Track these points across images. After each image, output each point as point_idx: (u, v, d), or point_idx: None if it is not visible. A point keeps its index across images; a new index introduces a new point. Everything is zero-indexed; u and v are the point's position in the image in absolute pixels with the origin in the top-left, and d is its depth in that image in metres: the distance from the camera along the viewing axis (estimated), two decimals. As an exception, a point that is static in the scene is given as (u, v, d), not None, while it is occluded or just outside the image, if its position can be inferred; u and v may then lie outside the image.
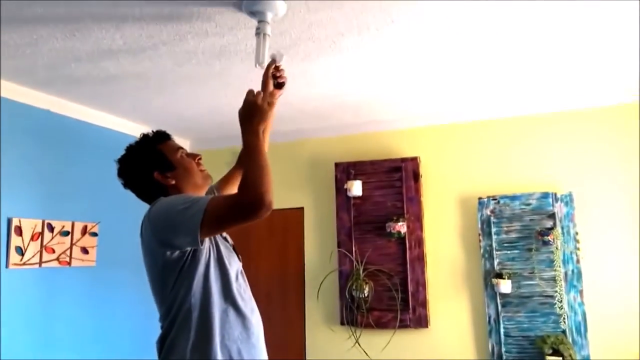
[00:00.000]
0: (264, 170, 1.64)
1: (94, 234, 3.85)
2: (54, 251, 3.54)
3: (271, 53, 2.12)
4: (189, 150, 2.08)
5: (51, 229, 3.54)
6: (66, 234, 3.64)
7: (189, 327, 1.72)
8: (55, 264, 3.55)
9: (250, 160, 1.69)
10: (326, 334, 4.37)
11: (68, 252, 3.64)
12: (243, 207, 1.60)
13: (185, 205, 1.67)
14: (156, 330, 1.83)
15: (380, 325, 4.13)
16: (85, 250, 3.77)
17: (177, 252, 1.71)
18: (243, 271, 1.93)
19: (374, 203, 4.32)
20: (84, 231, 3.78)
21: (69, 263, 3.65)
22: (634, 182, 3.72)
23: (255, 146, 1.72)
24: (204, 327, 1.72)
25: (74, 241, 3.70)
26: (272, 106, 1.84)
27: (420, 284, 4.09)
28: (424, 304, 4.06)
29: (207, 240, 1.77)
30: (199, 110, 4.02)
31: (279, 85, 2.09)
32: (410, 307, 4.08)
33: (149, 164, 1.90)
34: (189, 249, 1.72)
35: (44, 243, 3.48)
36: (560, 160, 3.93)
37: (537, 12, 2.53)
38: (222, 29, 2.61)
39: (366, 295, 4.15)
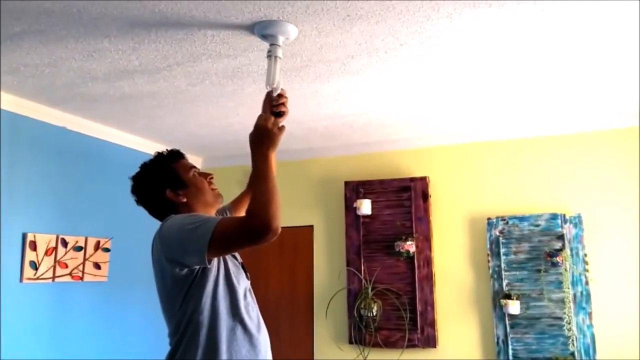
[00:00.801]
0: (272, 196, 1.66)
1: (107, 250, 3.91)
2: (67, 266, 3.60)
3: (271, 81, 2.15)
4: (201, 168, 2.12)
5: (65, 244, 3.60)
6: (79, 249, 3.70)
7: (196, 344, 1.73)
8: (68, 278, 3.60)
9: (258, 185, 1.71)
10: (334, 353, 4.37)
11: (81, 267, 3.70)
12: (250, 231, 1.62)
13: (194, 225, 1.70)
14: (166, 347, 1.86)
15: (389, 344, 4.13)
16: (97, 266, 3.83)
17: (185, 270, 1.74)
18: (251, 289, 1.95)
19: (383, 222, 4.34)
20: (97, 247, 3.84)
21: (82, 278, 3.70)
22: (644, 204, 3.73)
23: (264, 171, 1.75)
24: (211, 344, 1.74)
25: (87, 256, 3.75)
26: (283, 130, 1.85)
27: (429, 304, 4.09)
28: (432, 323, 4.06)
29: (215, 258, 1.79)
30: (211, 129, 4.09)
31: (277, 114, 2.00)
32: (419, 326, 4.08)
33: (162, 181, 1.95)
34: (197, 267, 1.75)
35: (58, 258, 3.54)
36: (570, 182, 3.94)
37: (546, 37, 2.58)
38: (235, 51, 2.68)
39: (374, 314, 4.15)
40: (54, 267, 3.51)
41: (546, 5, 2.26)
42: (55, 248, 3.53)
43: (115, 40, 2.54)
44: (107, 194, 3.92)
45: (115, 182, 3.93)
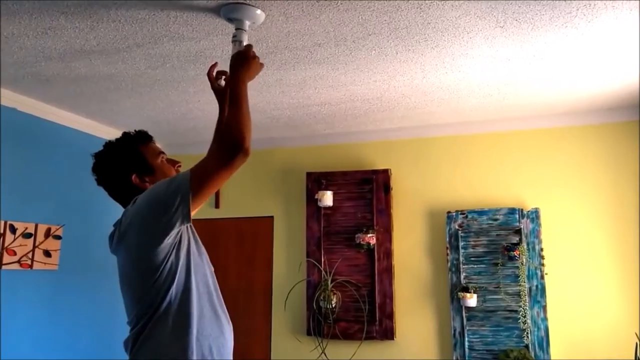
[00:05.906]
0: (244, 117, 1.71)
1: (58, 237, 3.75)
2: (15, 253, 3.44)
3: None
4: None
5: (13, 230, 3.44)
6: (29, 236, 3.54)
7: (166, 320, 1.68)
8: (16, 266, 3.45)
9: (232, 108, 1.75)
10: (292, 344, 4.34)
11: (30, 255, 3.54)
12: (223, 152, 1.65)
13: (167, 183, 1.69)
14: (119, 335, 1.79)
15: (347, 336, 4.12)
16: (47, 253, 3.67)
17: (166, 242, 1.67)
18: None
19: (344, 214, 4.33)
20: (48, 234, 3.68)
21: (31, 266, 3.55)
22: (599, 200, 3.82)
23: (238, 94, 1.78)
24: (182, 320, 1.69)
25: (37, 244, 3.60)
26: (261, 67, 1.98)
27: (388, 296, 4.10)
28: (390, 316, 4.08)
29: (186, 235, 1.75)
30: (171, 115, 3.97)
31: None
32: (377, 318, 4.08)
33: (128, 164, 1.87)
34: (175, 234, 1.68)
35: (5, 245, 3.38)
36: (528, 177, 4.01)
37: (507, 39, 2.60)
38: (199, 34, 2.59)
39: (334, 306, 4.14)
40: (2, 254, 3.34)
41: (515, 0, 2.27)
42: (3, 234, 3.37)
43: (72, 17, 2.42)
44: (59, 179, 3.75)
45: (68, 167, 3.79)
